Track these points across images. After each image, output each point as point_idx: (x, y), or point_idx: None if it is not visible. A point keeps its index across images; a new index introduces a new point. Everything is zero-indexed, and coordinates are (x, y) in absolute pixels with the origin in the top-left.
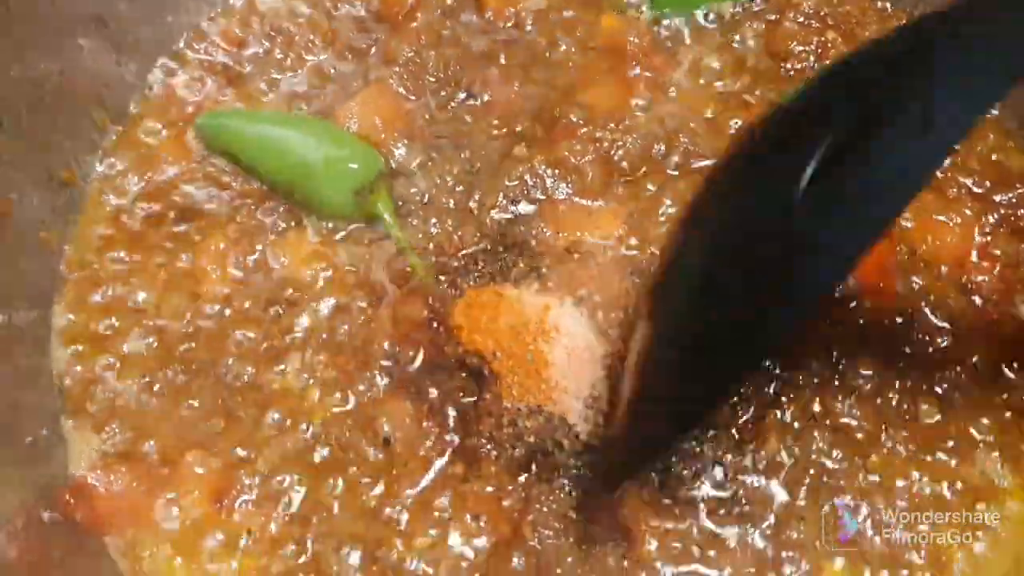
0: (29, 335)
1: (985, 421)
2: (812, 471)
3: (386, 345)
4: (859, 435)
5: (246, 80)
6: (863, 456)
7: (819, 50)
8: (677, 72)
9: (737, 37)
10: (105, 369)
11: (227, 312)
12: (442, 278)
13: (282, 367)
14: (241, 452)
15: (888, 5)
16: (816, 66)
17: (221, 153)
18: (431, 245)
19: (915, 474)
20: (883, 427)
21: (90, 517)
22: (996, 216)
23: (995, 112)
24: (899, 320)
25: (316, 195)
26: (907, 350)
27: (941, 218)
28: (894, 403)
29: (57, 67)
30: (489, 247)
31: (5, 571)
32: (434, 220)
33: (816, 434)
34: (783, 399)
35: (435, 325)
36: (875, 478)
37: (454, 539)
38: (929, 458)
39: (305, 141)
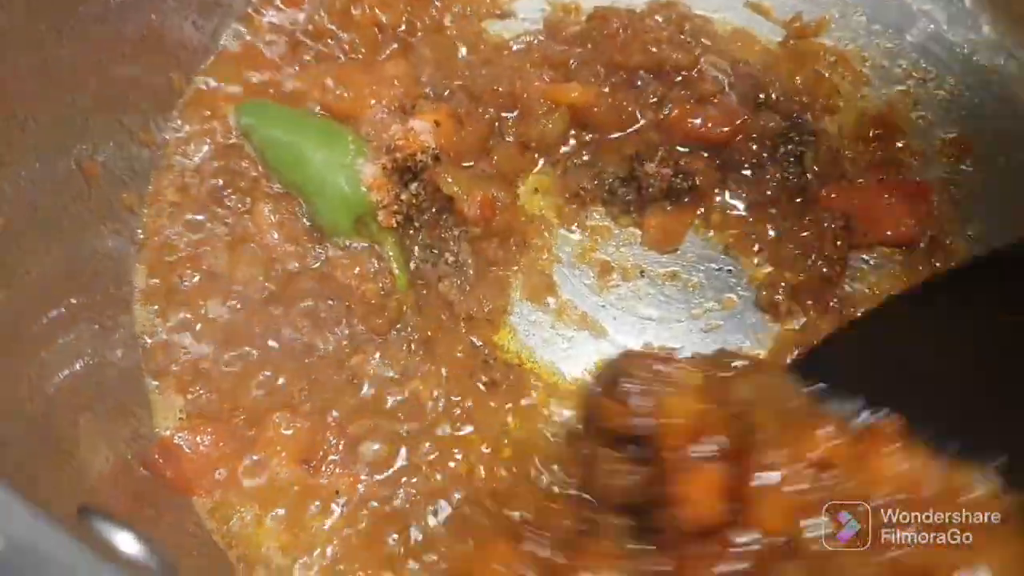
0: (115, 297)
1: None
2: None
3: None
4: None
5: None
6: None
7: None
8: None
9: None
10: (188, 332)
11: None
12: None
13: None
14: (328, 414)
15: None
16: None
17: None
18: None
19: None
20: None
21: (178, 476)
22: None
23: None
24: None
25: (320, 212)
26: None
27: None
28: None
29: (139, 28)
30: None
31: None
32: None
33: None
34: None
35: None
36: None
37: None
38: None
39: (316, 156)
